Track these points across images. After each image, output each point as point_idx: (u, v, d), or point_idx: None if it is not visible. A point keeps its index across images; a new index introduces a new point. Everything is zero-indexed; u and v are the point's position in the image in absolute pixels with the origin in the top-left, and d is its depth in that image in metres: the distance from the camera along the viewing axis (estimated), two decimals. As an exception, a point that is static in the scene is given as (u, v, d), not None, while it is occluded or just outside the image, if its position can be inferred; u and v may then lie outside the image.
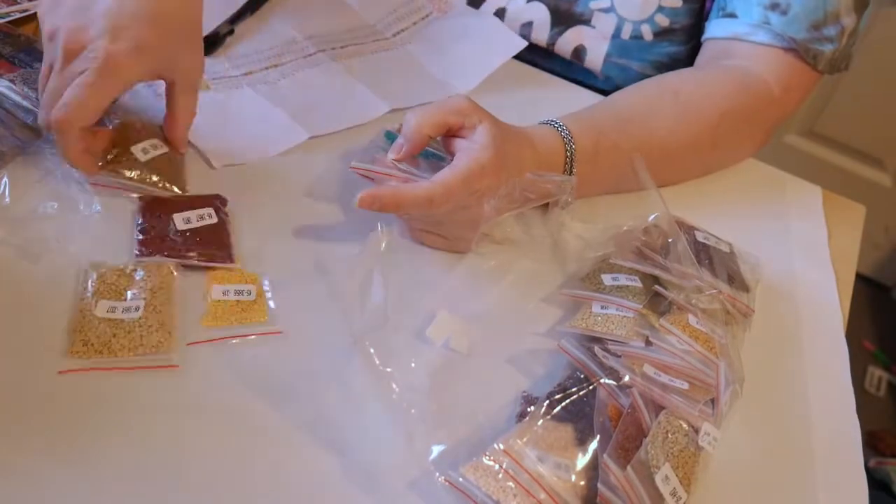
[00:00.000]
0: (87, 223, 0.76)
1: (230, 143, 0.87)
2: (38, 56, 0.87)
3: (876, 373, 2.43)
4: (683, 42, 1.09)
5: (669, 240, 0.81)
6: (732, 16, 0.99)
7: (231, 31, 0.98)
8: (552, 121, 0.87)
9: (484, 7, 1.12)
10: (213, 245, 0.75)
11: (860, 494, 0.73)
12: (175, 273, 0.72)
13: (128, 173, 0.78)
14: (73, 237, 0.74)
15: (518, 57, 1.08)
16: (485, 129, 0.76)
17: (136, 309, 0.68)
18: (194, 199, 0.79)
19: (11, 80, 0.82)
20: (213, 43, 0.96)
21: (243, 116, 0.91)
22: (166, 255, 0.73)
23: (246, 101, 0.93)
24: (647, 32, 1.07)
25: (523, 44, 1.08)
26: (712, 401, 0.71)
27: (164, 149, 0.80)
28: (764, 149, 1.05)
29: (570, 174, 0.85)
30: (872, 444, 2.19)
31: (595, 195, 0.92)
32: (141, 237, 0.74)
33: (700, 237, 0.84)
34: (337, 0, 1.11)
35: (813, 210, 1.02)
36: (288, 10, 1.07)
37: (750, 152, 1.04)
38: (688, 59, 1.09)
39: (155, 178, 0.79)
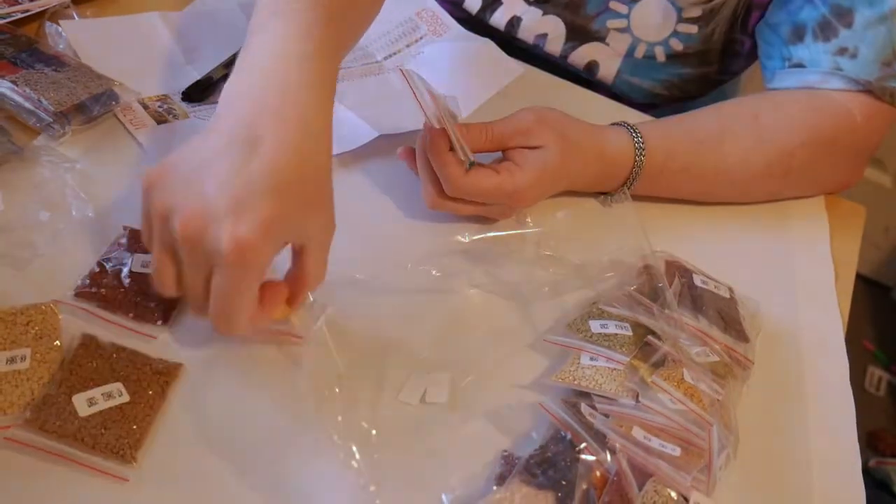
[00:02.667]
0: (79, 229, 0.72)
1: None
2: (39, 57, 0.82)
3: (876, 373, 2.38)
4: (694, 66, 1.05)
5: (659, 284, 0.73)
6: (800, 66, 0.93)
7: (226, 76, 0.89)
8: (630, 128, 0.86)
9: (496, 16, 1.07)
10: (156, 299, 0.67)
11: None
12: (60, 316, 0.64)
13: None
14: (64, 245, 0.70)
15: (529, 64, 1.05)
16: (543, 154, 0.79)
17: (23, 359, 0.60)
18: None
19: (13, 82, 0.78)
20: (205, 88, 0.88)
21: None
22: (99, 305, 0.66)
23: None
24: (659, 54, 1.04)
25: (519, 70, 1.02)
26: (707, 465, 0.63)
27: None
28: None
29: (628, 187, 0.86)
30: (872, 444, 2.17)
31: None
32: (97, 269, 0.68)
33: (698, 281, 0.77)
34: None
35: (819, 245, 0.93)
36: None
37: (836, 182, 0.97)
38: (698, 81, 1.07)
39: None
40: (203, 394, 0.64)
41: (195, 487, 0.59)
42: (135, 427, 0.59)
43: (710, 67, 1.05)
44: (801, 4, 0.91)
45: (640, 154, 0.84)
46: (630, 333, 0.71)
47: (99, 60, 0.86)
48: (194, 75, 0.89)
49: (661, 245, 0.80)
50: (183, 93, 0.87)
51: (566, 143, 0.80)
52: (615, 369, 0.68)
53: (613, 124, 0.87)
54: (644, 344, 0.70)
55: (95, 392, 0.59)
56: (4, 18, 0.87)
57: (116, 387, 0.60)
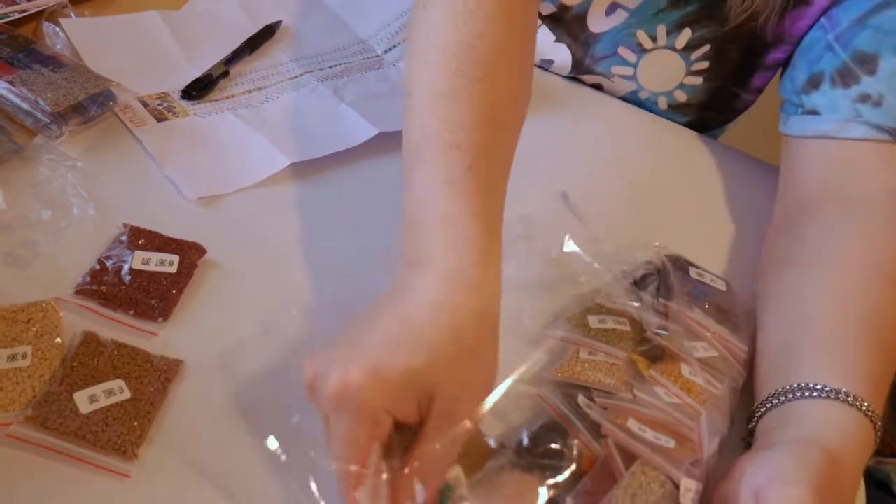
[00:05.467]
0: (80, 227, 0.72)
1: (206, 172, 0.80)
2: (37, 57, 0.82)
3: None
4: (692, 114, 1.04)
5: (657, 278, 0.75)
6: (814, 112, 0.86)
7: (226, 73, 0.90)
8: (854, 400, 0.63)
9: None
10: (157, 297, 0.67)
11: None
12: (61, 313, 0.64)
13: None
14: (65, 243, 0.70)
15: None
16: None
17: (24, 356, 0.60)
18: (171, 242, 0.72)
19: (10, 82, 0.78)
20: (206, 86, 0.88)
21: (221, 143, 0.83)
22: (99, 302, 0.67)
23: (226, 127, 0.85)
24: (662, 103, 1.03)
25: None
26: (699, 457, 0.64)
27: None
28: (768, 148, 0.99)
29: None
30: None
31: None
32: (97, 267, 0.68)
33: (694, 274, 0.77)
34: (330, 15, 1.03)
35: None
36: (281, 37, 1.00)
37: None
38: (691, 126, 1.05)
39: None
40: (204, 390, 0.64)
41: (197, 484, 0.59)
42: (136, 424, 0.59)
43: (705, 114, 1.04)
44: (821, 53, 0.86)
45: (875, 418, 0.63)
46: (628, 328, 0.71)
47: (98, 59, 0.86)
48: (194, 73, 0.89)
49: (659, 239, 0.81)
50: (183, 91, 0.87)
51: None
52: (614, 364, 0.68)
53: (807, 396, 0.64)
54: (642, 339, 0.71)
55: (97, 389, 0.59)
56: (2, 18, 0.87)
57: (118, 384, 0.60)
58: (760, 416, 0.66)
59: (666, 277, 0.76)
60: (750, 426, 0.67)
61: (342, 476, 0.54)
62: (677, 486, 0.61)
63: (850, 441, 0.61)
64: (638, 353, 0.70)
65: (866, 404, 0.63)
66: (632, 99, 1.04)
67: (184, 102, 0.86)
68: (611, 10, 0.97)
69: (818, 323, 0.70)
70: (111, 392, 0.59)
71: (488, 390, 0.59)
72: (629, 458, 0.62)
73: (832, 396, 0.63)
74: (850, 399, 0.62)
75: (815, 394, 0.63)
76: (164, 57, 0.91)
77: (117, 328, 0.66)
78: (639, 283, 0.75)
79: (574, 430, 0.63)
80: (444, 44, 0.67)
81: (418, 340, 0.55)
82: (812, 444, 0.60)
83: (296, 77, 0.93)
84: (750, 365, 0.73)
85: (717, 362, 0.70)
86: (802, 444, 0.60)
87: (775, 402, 0.65)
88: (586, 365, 0.69)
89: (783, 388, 0.65)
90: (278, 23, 0.98)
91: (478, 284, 0.58)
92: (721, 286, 0.77)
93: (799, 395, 0.64)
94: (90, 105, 0.80)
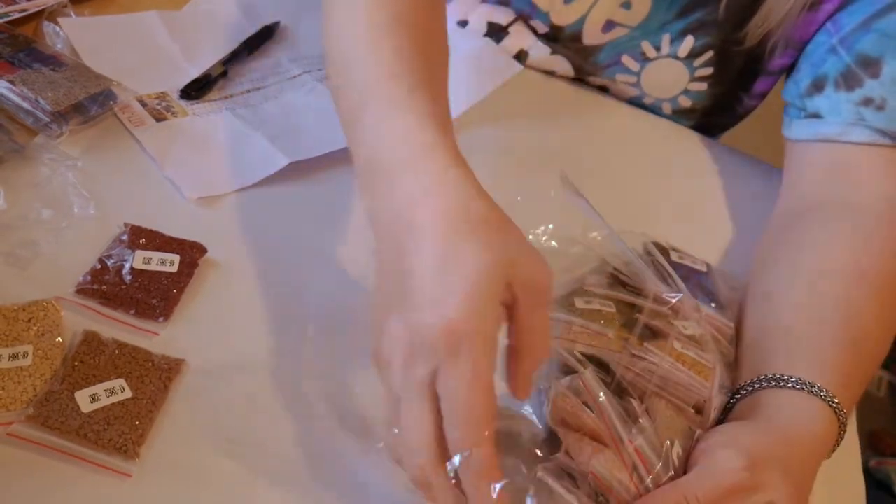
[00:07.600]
0: (81, 227, 0.72)
1: (205, 172, 0.80)
2: (37, 56, 0.82)
3: (876, 373, 2.35)
4: (698, 118, 1.06)
5: (639, 263, 0.75)
6: (816, 116, 0.87)
7: (224, 73, 0.91)
8: (821, 393, 0.65)
9: (504, 43, 1.05)
10: (158, 296, 0.68)
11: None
12: (62, 312, 0.64)
13: None
14: (65, 242, 0.70)
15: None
16: None
17: (26, 355, 0.60)
18: (172, 242, 0.72)
19: (11, 81, 0.78)
20: (204, 85, 0.89)
21: (221, 143, 0.84)
22: (100, 302, 0.67)
23: (224, 127, 0.85)
24: (666, 108, 1.04)
25: (518, 67, 1.02)
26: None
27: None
28: (768, 148, 1.00)
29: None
30: (872, 444, 2.15)
31: None
32: (98, 266, 0.68)
33: (675, 257, 0.80)
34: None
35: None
36: (280, 38, 1.00)
37: None
38: (694, 129, 1.06)
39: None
40: (205, 389, 0.64)
41: (198, 482, 0.59)
42: (137, 423, 0.59)
43: (709, 119, 1.05)
44: (825, 56, 0.86)
45: (841, 414, 0.65)
46: (614, 310, 0.72)
47: (98, 59, 0.86)
48: (193, 73, 0.90)
49: (657, 238, 0.82)
50: (181, 90, 0.88)
51: (792, 481, 0.59)
52: (606, 336, 0.69)
53: (776, 385, 0.66)
54: (628, 321, 0.71)
55: (98, 388, 0.59)
56: (2, 18, 0.87)
57: (119, 383, 0.60)
58: (733, 406, 0.68)
59: (648, 262, 0.77)
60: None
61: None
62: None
63: (814, 432, 0.63)
64: (627, 331, 0.70)
65: (836, 400, 0.64)
66: (636, 103, 1.05)
67: (182, 102, 0.87)
68: (607, 27, 0.97)
69: (794, 320, 0.72)
70: (112, 391, 0.59)
71: (534, 249, 0.56)
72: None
73: (805, 389, 0.64)
74: (822, 393, 0.64)
75: (787, 385, 0.65)
76: (164, 57, 0.92)
77: (118, 327, 0.66)
78: (621, 268, 0.76)
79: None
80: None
81: (470, 241, 0.52)
82: (774, 426, 0.63)
83: (294, 77, 0.94)
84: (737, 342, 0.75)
85: (706, 339, 0.71)
86: (764, 422, 0.63)
87: (749, 389, 0.67)
88: (582, 335, 0.68)
89: (756, 378, 0.67)
90: (277, 23, 0.99)
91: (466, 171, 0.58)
92: (702, 267, 0.79)
93: (773, 384, 0.66)
94: (91, 104, 0.80)
